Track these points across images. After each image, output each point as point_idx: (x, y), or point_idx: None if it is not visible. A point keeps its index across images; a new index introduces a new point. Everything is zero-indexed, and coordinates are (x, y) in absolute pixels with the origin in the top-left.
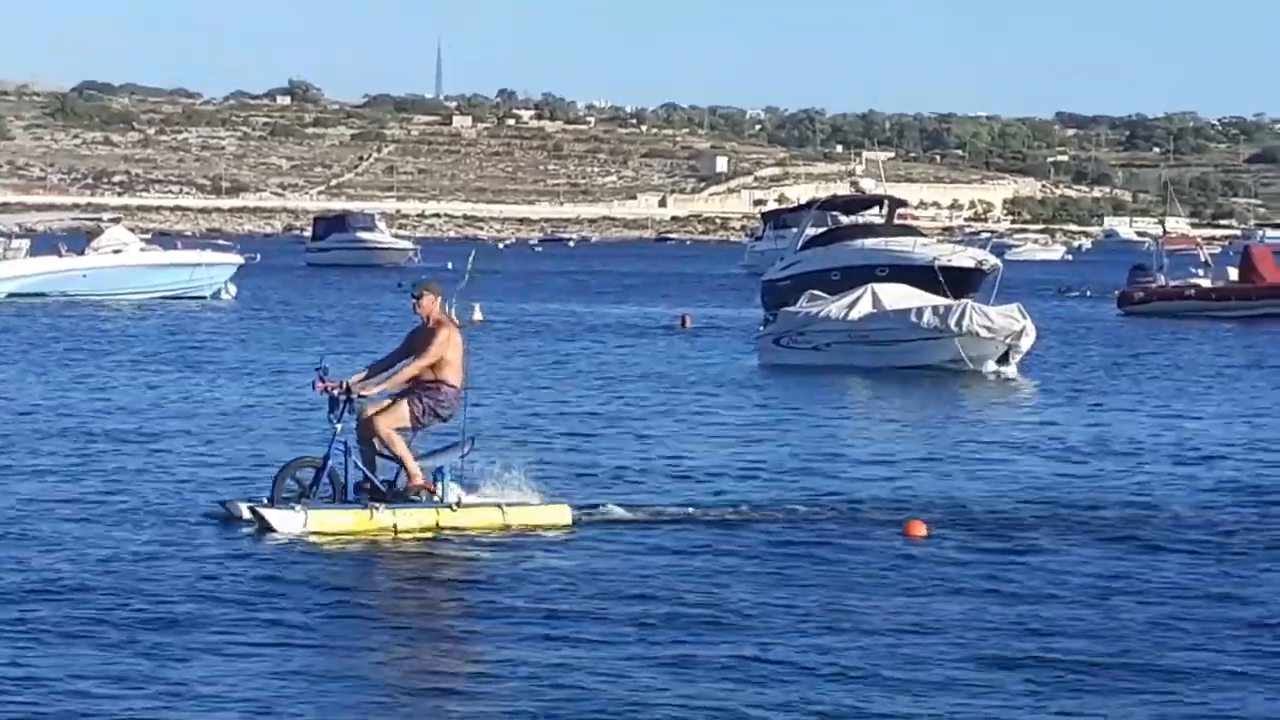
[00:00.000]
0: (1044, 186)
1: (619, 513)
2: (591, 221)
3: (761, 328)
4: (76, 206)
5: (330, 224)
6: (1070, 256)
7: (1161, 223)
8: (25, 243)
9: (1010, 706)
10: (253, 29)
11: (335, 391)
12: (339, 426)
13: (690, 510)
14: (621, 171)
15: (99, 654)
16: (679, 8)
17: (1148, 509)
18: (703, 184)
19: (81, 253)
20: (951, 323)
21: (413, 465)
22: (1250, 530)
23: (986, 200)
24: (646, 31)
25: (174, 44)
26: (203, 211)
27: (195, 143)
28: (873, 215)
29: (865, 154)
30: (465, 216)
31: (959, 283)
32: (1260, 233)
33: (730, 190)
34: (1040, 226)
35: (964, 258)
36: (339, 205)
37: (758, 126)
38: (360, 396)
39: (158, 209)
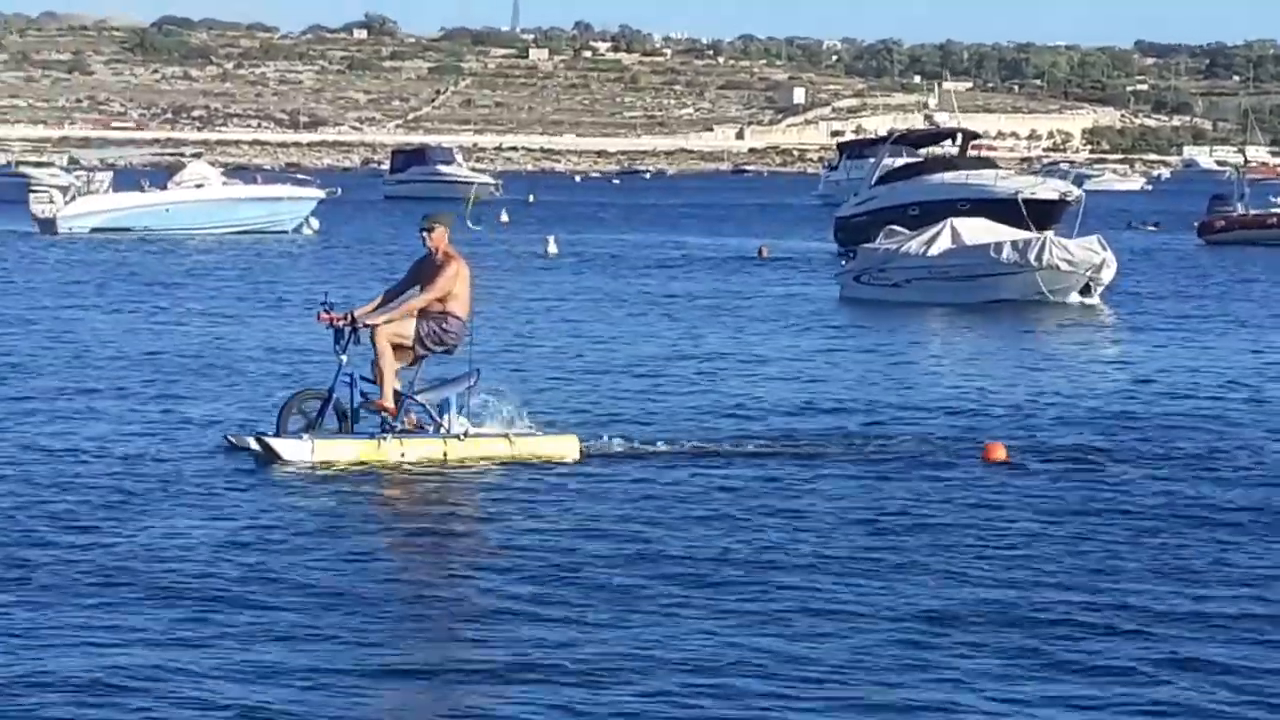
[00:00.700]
0: (1123, 116)
1: (620, 445)
2: (668, 154)
3: (843, 263)
4: (156, 142)
5: (409, 157)
6: (1149, 186)
7: (1241, 151)
8: (108, 177)
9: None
10: None
11: (340, 323)
12: (344, 358)
13: (712, 444)
14: (698, 104)
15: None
16: None
17: (1228, 439)
18: (780, 116)
19: (164, 188)
20: (1031, 257)
21: (389, 386)
22: None
23: (1065, 130)
24: None
25: None
26: (281, 146)
27: (273, 77)
28: (946, 148)
29: (943, 85)
30: (542, 149)
31: (1042, 215)
32: None
33: (807, 122)
34: (1119, 156)
35: (1047, 190)
36: (416, 139)
37: (835, 57)
38: (365, 326)
39: (236, 143)
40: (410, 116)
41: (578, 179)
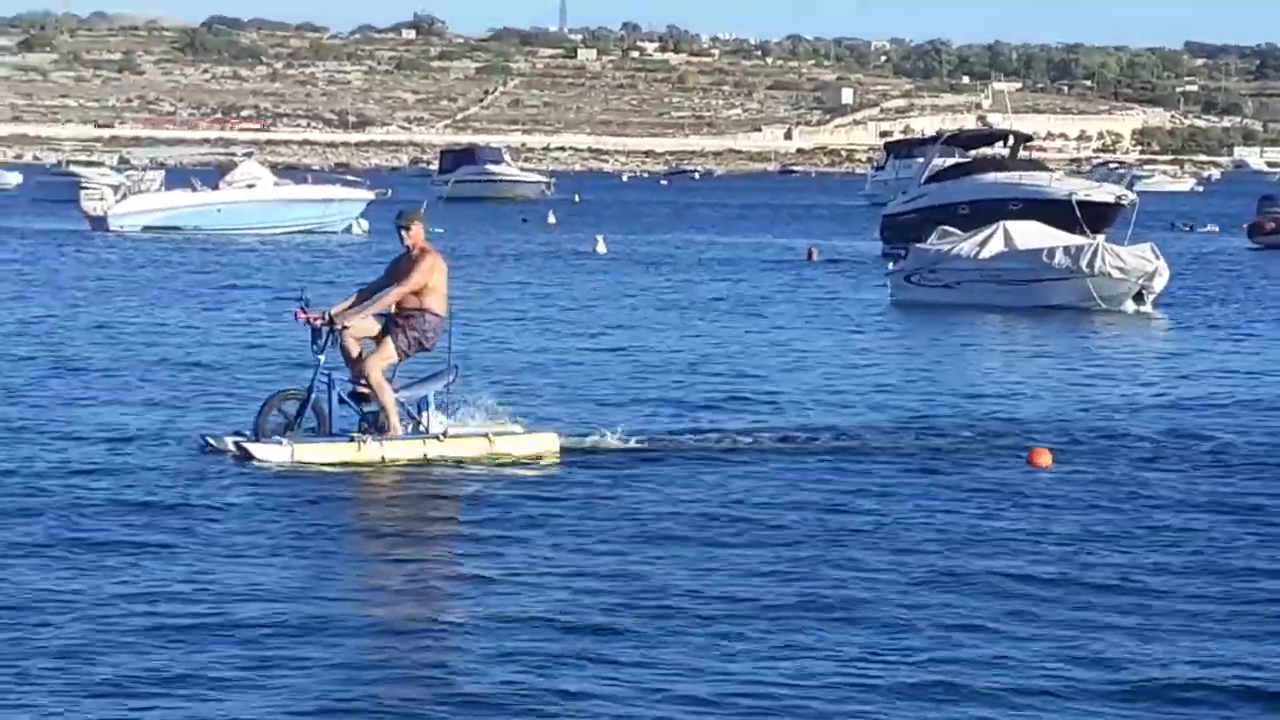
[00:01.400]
0: (1173, 117)
1: (610, 441)
2: (716, 154)
3: (892, 264)
4: (206, 141)
5: (458, 157)
6: (1200, 188)
7: None
8: (160, 176)
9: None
10: None
11: (317, 322)
12: (322, 358)
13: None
14: (746, 104)
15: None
16: None
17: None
18: (828, 116)
19: (215, 187)
20: (1083, 263)
21: (395, 418)
22: None
23: (1115, 131)
24: None
25: None
26: (330, 146)
27: (322, 77)
28: (997, 149)
29: (992, 85)
30: (590, 149)
31: (1096, 218)
32: None
33: (856, 122)
34: (1169, 157)
35: (1102, 193)
36: (464, 139)
37: (883, 58)
38: (343, 327)
39: (285, 143)
40: (459, 117)
41: (625, 179)
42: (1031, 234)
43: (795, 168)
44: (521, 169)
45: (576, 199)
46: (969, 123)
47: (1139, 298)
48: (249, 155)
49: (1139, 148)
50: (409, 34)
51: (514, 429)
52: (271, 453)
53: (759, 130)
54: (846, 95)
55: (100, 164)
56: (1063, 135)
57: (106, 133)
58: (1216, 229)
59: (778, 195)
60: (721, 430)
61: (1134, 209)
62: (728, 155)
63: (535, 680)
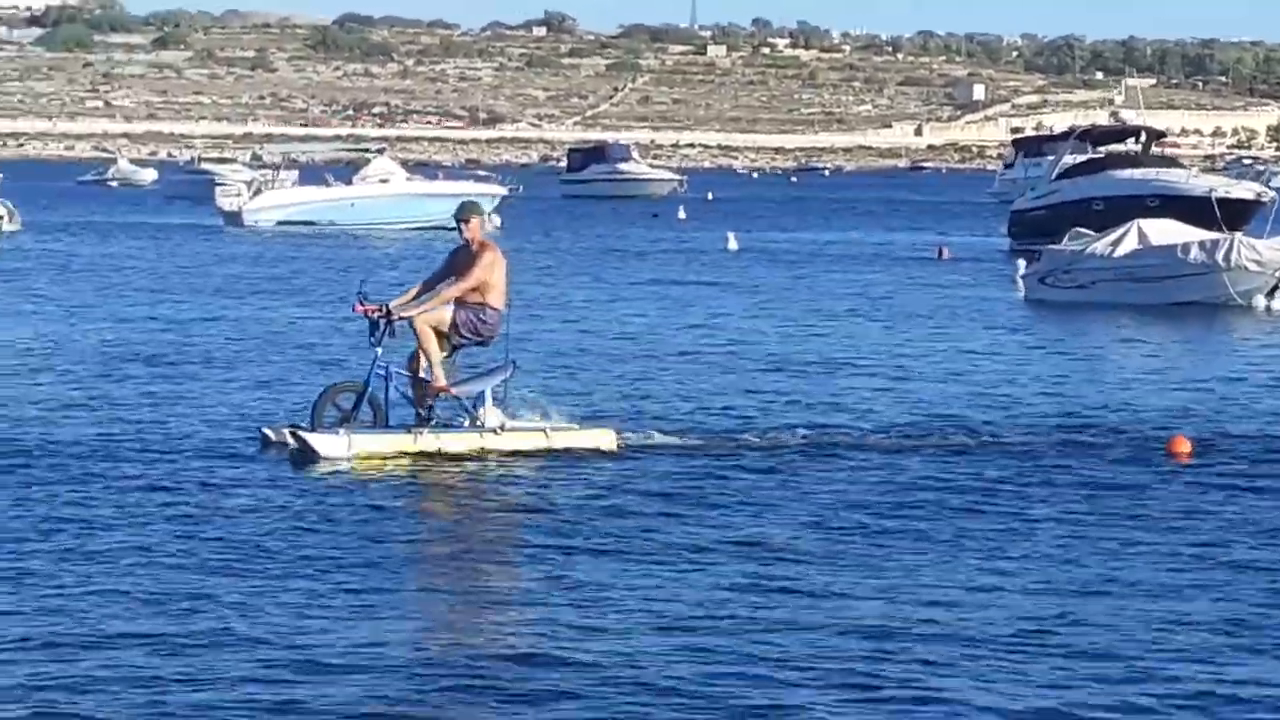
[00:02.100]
0: None
1: (659, 438)
2: (845, 151)
3: (1024, 266)
4: (337, 138)
5: (587, 155)
6: None
7: None
8: (293, 173)
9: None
10: None
11: (374, 314)
12: (379, 350)
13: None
14: (877, 100)
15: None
16: None
17: None
18: (959, 112)
19: (349, 183)
20: (1219, 257)
21: (439, 368)
22: None
23: (1250, 127)
24: None
25: None
26: (460, 142)
27: (453, 74)
28: (1129, 146)
29: (1125, 81)
30: (720, 146)
31: (1234, 215)
32: None
33: (987, 118)
34: None
35: (1241, 189)
36: (593, 136)
37: (1015, 54)
38: (400, 319)
39: (416, 140)
40: (589, 113)
41: (755, 175)
42: (1166, 231)
43: (925, 164)
44: (650, 166)
45: (709, 197)
46: (1101, 119)
47: (1274, 292)
48: (381, 152)
49: (1274, 144)
50: (539, 31)
51: (571, 425)
52: (329, 444)
53: (889, 126)
54: (978, 91)
55: (232, 160)
56: (1197, 131)
57: (239, 129)
58: None
59: (906, 192)
60: (836, 428)
61: (1273, 206)
62: (857, 152)
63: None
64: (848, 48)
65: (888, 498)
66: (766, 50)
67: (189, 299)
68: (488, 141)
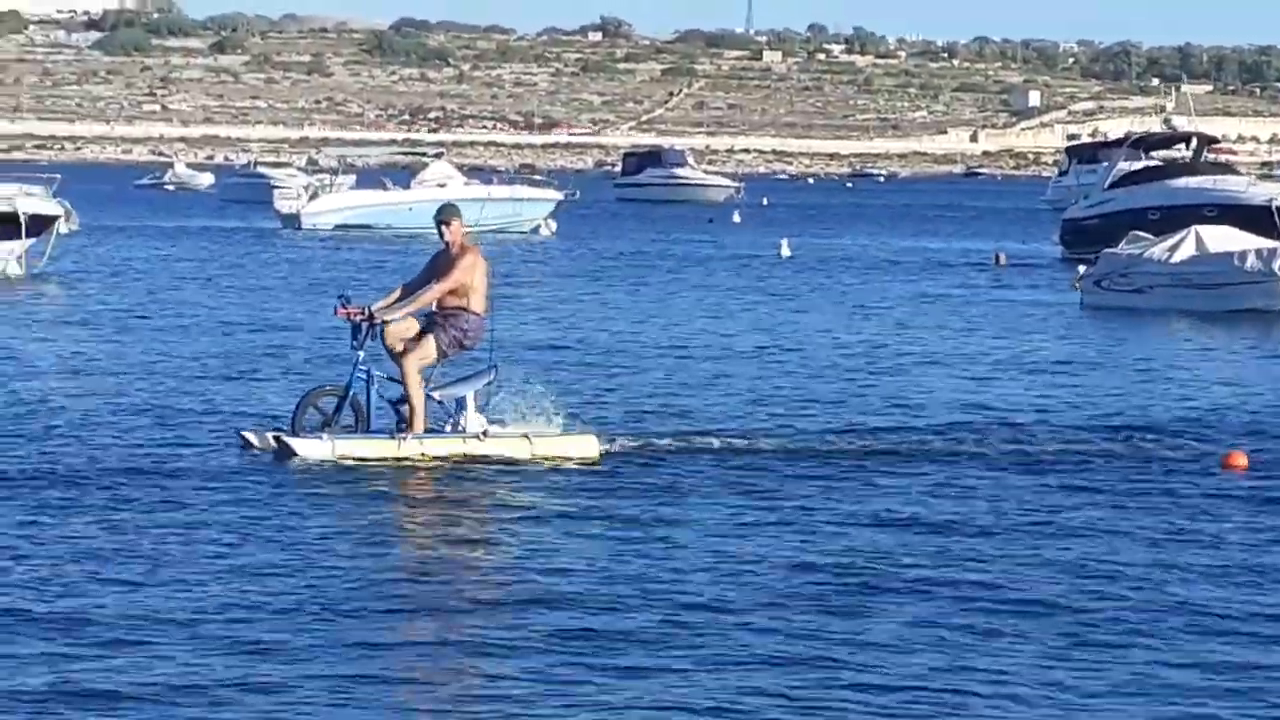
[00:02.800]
0: None
1: (645, 444)
2: (900, 156)
3: (1081, 269)
4: (392, 142)
5: (642, 159)
6: None
7: None
8: (351, 177)
9: None
10: None
11: (357, 317)
12: (361, 354)
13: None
14: (932, 106)
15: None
16: None
17: None
18: (1014, 118)
19: (406, 187)
20: (1276, 266)
21: (419, 420)
22: None
23: None
24: None
25: None
26: (515, 147)
27: (509, 79)
28: (1179, 152)
29: (1179, 88)
30: (774, 151)
31: None
32: None
33: (1043, 125)
34: None
35: None
36: (648, 140)
37: (1071, 60)
38: (383, 322)
39: (471, 144)
40: (644, 118)
41: (810, 181)
42: (1224, 238)
43: (980, 170)
44: (705, 171)
45: (764, 202)
46: (1155, 125)
47: None
48: (439, 156)
49: None
50: (595, 36)
51: (553, 430)
52: (312, 448)
53: (945, 132)
54: (1033, 97)
55: (288, 165)
56: (1254, 138)
57: (295, 134)
58: None
59: (960, 198)
60: (871, 431)
61: None
62: (912, 158)
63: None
64: (903, 53)
65: (943, 505)
66: (822, 56)
67: (252, 298)
68: (542, 146)
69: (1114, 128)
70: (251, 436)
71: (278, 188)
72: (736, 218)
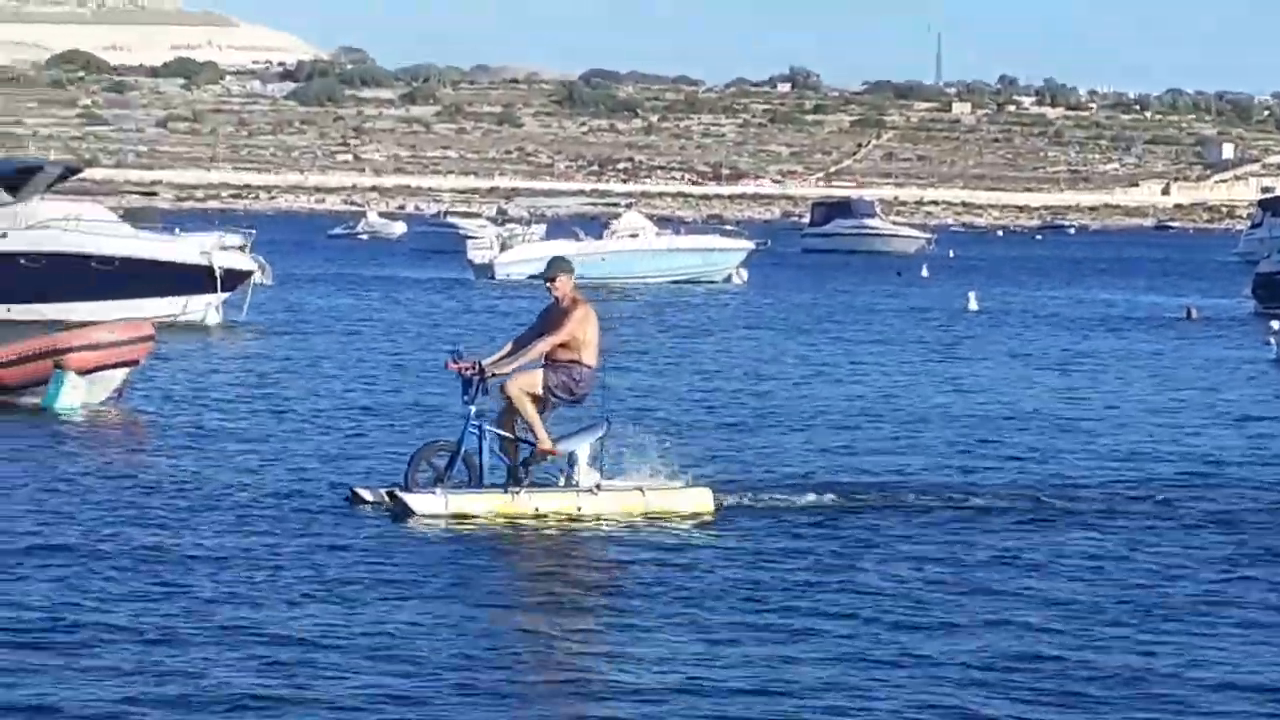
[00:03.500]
0: None
1: (763, 499)
2: (1091, 209)
3: (1275, 324)
4: (582, 192)
5: (830, 210)
6: None
7: None
8: (542, 227)
9: None
10: (755, 16)
11: (468, 372)
12: (473, 409)
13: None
14: (1124, 158)
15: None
16: None
17: None
18: (1208, 171)
19: (598, 237)
20: None
21: (541, 430)
22: None
23: None
24: (1148, 13)
25: (677, 32)
26: (703, 198)
27: (697, 130)
28: None
29: None
30: (963, 203)
31: None
32: None
33: (1237, 178)
34: None
35: None
36: (835, 192)
37: (1266, 113)
38: (494, 375)
39: (660, 195)
40: (832, 169)
41: (1000, 233)
42: None
43: (1172, 223)
44: (894, 223)
45: (951, 254)
46: None
47: None
48: (630, 206)
49: None
50: (784, 87)
51: (670, 485)
52: (426, 503)
53: (1136, 185)
54: (1227, 150)
55: (477, 215)
56: None
57: (485, 184)
58: None
59: (1150, 251)
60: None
61: None
62: (1103, 210)
63: None
64: (1095, 105)
65: (1137, 562)
66: (1012, 108)
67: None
68: (730, 197)
69: None
70: (365, 493)
71: (470, 238)
72: (925, 271)
